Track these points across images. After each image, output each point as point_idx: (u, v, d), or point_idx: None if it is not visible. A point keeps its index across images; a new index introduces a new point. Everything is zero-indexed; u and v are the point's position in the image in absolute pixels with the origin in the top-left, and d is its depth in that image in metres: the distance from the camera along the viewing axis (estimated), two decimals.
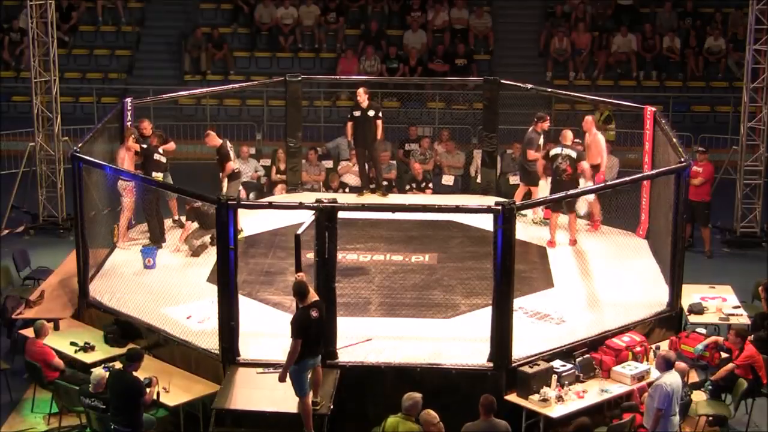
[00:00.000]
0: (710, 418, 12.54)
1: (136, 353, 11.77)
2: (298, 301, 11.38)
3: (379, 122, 17.50)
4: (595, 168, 16.17)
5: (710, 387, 12.68)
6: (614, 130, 21.42)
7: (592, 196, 15.88)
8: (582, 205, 15.95)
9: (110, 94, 23.88)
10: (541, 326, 13.28)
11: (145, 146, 15.72)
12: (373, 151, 17.75)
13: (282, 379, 11.27)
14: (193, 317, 13.34)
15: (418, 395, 11.01)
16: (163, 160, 15.86)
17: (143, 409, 11.50)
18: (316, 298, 11.46)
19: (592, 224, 16.53)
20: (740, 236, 18.62)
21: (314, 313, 11.23)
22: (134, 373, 11.47)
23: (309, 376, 11.37)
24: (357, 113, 17.52)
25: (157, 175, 15.58)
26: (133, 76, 24.97)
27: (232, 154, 16.25)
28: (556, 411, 11.85)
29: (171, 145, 16.38)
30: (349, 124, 17.65)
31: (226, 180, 15.87)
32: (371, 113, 17.46)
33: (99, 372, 11.91)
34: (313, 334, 11.24)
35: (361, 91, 17.54)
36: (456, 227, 16.43)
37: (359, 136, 17.62)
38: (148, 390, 11.55)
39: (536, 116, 16.64)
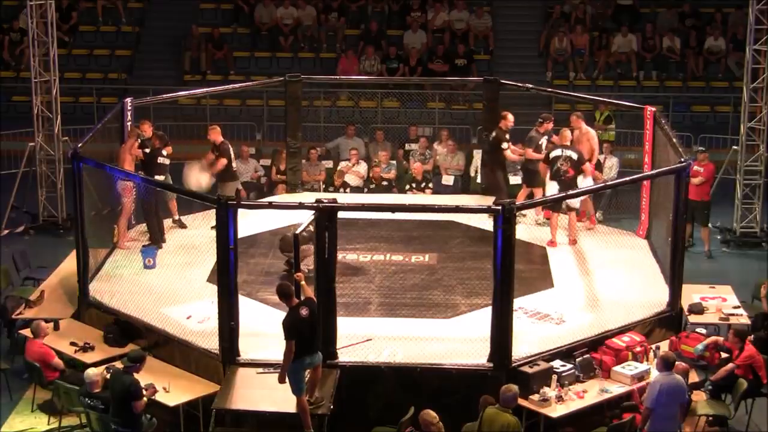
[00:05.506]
0: (710, 418, 12.53)
1: (138, 355, 11.76)
2: (284, 302, 11.38)
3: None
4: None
5: (710, 387, 12.68)
6: (614, 130, 21.44)
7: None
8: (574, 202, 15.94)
9: (110, 94, 23.86)
10: (541, 326, 13.28)
11: (147, 150, 15.67)
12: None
13: (281, 381, 11.28)
14: (193, 317, 13.35)
15: (515, 387, 10.99)
16: (167, 162, 15.85)
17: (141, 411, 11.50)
18: (308, 296, 11.46)
19: (588, 221, 16.54)
20: (740, 236, 18.63)
21: (304, 312, 11.23)
22: (135, 375, 11.46)
23: (307, 375, 11.38)
24: None
25: (159, 178, 15.56)
26: (133, 76, 24.97)
27: (231, 155, 16.29)
28: (556, 411, 11.86)
29: (167, 149, 16.33)
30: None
31: (212, 177, 15.95)
32: None
33: (93, 371, 11.90)
34: (307, 333, 11.24)
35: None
36: (456, 227, 16.43)
37: None
38: (145, 393, 11.54)
39: (540, 117, 16.62)
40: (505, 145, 16.52)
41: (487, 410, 10.90)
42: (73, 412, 12.49)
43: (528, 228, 16.22)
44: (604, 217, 17.48)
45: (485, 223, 15.58)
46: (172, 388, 12.16)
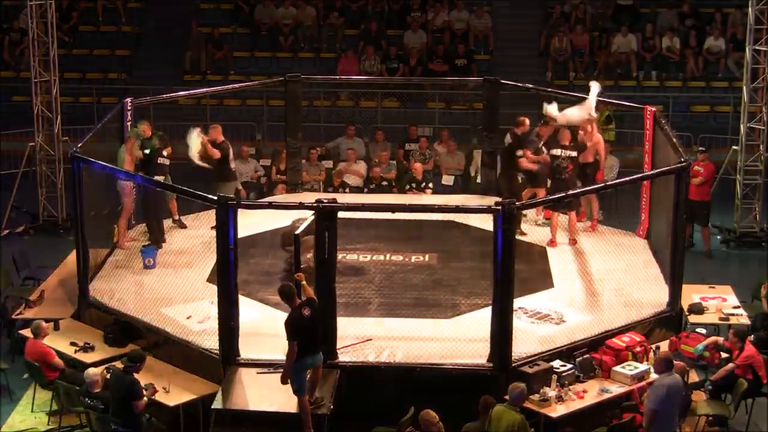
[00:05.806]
0: (710, 418, 12.54)
1: (138, 355, 11.77)
2: (286, 303, 11.38)
3: None
4: (594, 165, 16.18)
5: (710, 387, 12.68)
6: (614, 130, 21.44)
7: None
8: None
9: (110, 94, 23.85)
10: (541, 326, 13.28)
11: (147, 151, 15.66)
12: None
13: (284, 381, 11.28)
14: (193, 317, 13.34)
15: (522, 384, 11.03)
16: (167, 162, 15.85)
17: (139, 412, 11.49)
18: (310, 296, 11.46)
19: (590, 224, 16.53)
20: (740, 236, 18.64)
21: (306, 312, 11.23)
22: (135, 375, 11.46)
23: (307, 375, 11.38)
24: None
25: (159, 178, 15.55)
26: (133, 76, 24.97)
27: (230, 154, 16.30)
28: (556, 411, 11.86)
29: (167, 149, 16.33)
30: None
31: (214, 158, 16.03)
32: None
33: (93, 371, 11.91)
34: (309, 333, 11.24)
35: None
36: (456, 227, 16.42)
37: None
38: (145, 393, 11.54)
39: (542, 119, 16.60)
40: (519, 152, 16.46)
41: (495, 408, 10.93)
42: (73, 412, 12.50)
43: (528, 228, 16.23)
44: (604, 217, 17.46)
45: (485, 223, 15.56)
46: (172, 388, 12.15)
